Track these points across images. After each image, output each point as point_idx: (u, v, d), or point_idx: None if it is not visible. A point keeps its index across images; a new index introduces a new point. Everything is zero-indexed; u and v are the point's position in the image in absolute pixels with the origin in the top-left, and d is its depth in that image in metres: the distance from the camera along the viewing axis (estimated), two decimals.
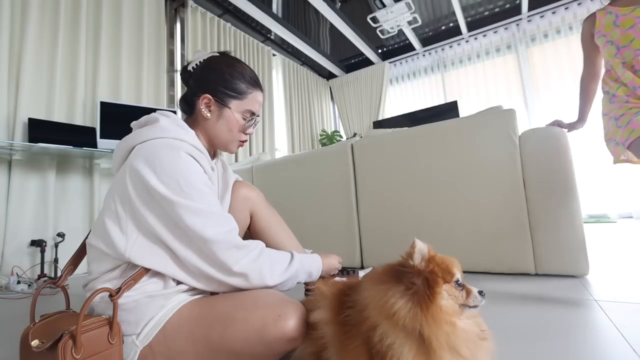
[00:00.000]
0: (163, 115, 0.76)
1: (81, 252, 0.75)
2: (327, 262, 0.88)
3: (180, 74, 0.87)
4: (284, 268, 0.73)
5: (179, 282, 0.68)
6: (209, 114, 0.80)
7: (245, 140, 0.86)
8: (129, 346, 0.62)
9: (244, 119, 0.82)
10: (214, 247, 0.64)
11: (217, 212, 0.68)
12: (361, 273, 1.04)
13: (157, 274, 0.67)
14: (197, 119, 0.82)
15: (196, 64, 0.82)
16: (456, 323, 0.49)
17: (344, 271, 1.07)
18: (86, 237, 0.73)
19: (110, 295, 0.61)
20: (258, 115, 0.86)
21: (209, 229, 0.64)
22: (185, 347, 0.62)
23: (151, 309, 0.64)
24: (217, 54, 0.84)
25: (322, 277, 0.86)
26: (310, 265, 0.82)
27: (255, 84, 0.84)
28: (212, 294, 0.73)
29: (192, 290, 0.70)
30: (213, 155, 0.89)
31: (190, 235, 0.64)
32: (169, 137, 0.71)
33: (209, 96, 0.79)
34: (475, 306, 0.52)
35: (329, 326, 0.58)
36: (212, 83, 0.80)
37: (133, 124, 0.78)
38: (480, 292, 0.53)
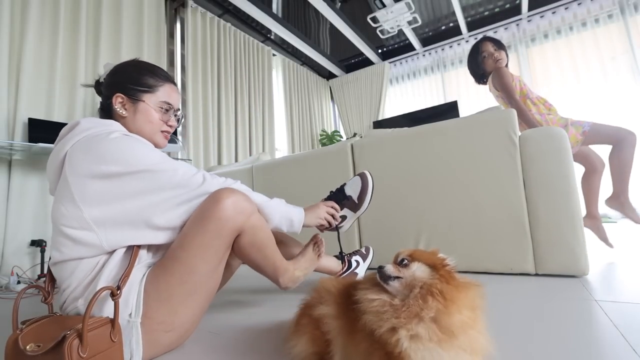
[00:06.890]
0: (82, 118, 0.81)
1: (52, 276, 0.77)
2: (311, 213, 0.94)
3: (95, 88, 0.89)
4: (262, 197, 0.85)
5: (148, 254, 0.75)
6: (124, 112, 0.82)
7: (169, 132, 0.89)
8: (128, 328, 0.65)
9: (161, 110, 0.85)
10: (185, 180, 0.74)
11: (176, 162, 0.76)
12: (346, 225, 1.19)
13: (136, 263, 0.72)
14: (116, 120, 0.83)
15: (106, 75, 0.86)
16: None
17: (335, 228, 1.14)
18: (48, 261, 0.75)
19: (112, 295, 0.62)
20: (178, 109, 0.90)
21: (176, 176, 0.73)
22: (167, 289, 0.69)
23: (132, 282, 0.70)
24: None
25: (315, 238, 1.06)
26: (290, 212, 0.89)
27: (165, 78, 0.88)
28: None
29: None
30: None
31: (161, 187, 0.71)
32: (95, 129, 0.74)
33: (121, 94, 0.82)
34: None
35: (335, 320, 0.58)
36: (121, 83, 0.83)
37: (56, 141, 0.78)
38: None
